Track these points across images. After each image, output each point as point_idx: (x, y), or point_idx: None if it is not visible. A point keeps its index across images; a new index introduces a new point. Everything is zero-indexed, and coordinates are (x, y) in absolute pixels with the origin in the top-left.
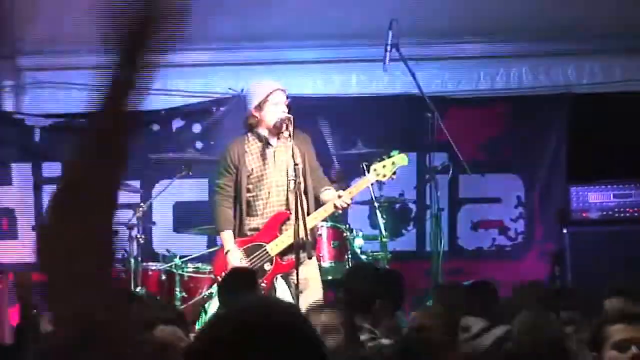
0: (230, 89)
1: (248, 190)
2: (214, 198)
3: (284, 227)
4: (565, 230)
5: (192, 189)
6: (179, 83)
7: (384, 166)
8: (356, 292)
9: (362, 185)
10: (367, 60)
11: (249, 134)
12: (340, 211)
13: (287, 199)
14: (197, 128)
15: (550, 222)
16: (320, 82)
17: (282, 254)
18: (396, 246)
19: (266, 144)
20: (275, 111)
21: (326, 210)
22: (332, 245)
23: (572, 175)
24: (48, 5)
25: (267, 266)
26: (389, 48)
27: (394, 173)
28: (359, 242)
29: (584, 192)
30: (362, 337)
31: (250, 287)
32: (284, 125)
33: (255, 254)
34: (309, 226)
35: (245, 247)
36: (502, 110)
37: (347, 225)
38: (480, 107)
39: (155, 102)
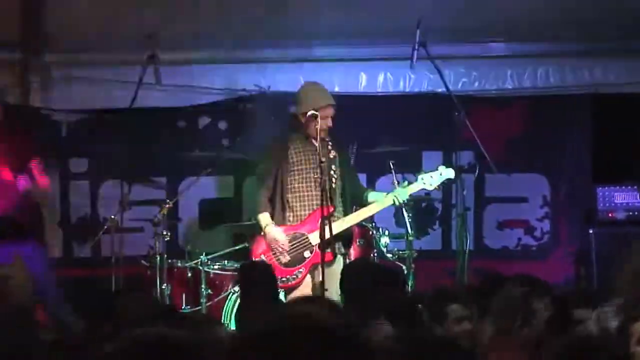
0: (256, 85)
1: (289, 186)
2: (254, 183)
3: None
4: (591, 231)
5: (218, 186)
6: (206, 80)
7: (431, 177)
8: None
9: (413, 189)
10: (395, 59)
11: (293, 132)
12: (398, 204)
13: (329, 195)
14: (223, 125)
15: (576, 222)
16: (347, 80)
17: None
18: (422, 245)
19: (310, 144)
20: (322, 125)
21: (380, 205)
22: (357, 243)
23: (598, 176)
24: (77, 2)
25: (307, 254)
26: (416, 47)
27: (440, 185)
28: (384, 241)
29: (610, 193)
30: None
31: (269, 279)
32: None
33: (296, 241)
34: (357, 220)
35: (287, 233)
36: (529, 110)
37: (374, 224)
38: (507, 106)
39: (182, 99)
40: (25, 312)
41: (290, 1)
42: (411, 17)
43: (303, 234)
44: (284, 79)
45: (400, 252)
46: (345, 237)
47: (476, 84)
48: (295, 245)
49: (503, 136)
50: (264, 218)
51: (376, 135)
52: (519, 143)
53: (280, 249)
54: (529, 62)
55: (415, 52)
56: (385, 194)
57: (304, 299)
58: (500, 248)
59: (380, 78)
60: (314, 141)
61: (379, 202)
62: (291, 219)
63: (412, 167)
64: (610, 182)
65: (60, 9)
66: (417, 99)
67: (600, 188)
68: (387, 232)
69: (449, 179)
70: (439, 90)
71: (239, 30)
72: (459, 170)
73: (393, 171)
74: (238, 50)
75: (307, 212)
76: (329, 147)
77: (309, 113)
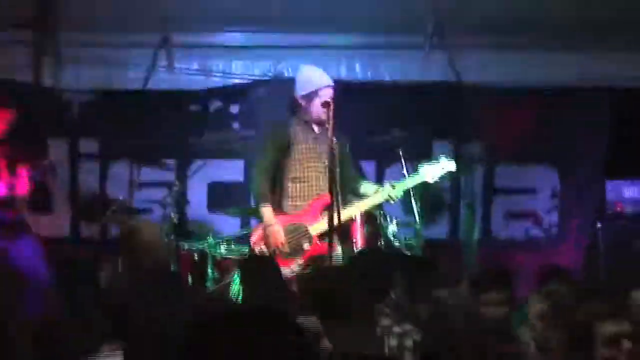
0: (270, 70)
1: (290, 172)
2: (254, 175)
3: (325, 212)
4: (599, 224)
5: (227, 170)
6: (218, 64)
7: (432, 169)
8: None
9: (411, 183)
10: (407, 47)
11: (294, 118)
12: (392, 202)
13: (330, 184)
14: (235, 109)
15: (585, 214)
16: (360, 68)
17: (321, 236)
18: (429, 234)
19: (309, 129)
20: (322, 107)
21: (376, 199)
22: (365, 231)
23: (608, 169)
24: None
25: (306, 245)
26: (430, 36)
27: (440, 177)
28: (392, 228)
29: (619, 187)
30: (385, 323)
31: (271, 272)
32: (327, 119)
33: (295, 232)
34: (356, 213)
35: (287, 224)
36: (542, 102)
37: (382, 212)
38: (520, 98)
39: (194, 82)
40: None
41: None
42: (426, 5)
43: (302, 225)
44: (297, 65)
45: (408, 241)
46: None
47: (489, 75)
48: (294, 237)
49: (514, 128)
50: (266, 212)
51: (386, 124)
52: (529, 135)
53: (278, 246)
54: (543, 55)
55: (429, 41)
56: (379, 187)
57: None
58: (507, 238)
59: (392, 67)
60: (314, 126)
61: (376, 195)
62: (290, 207)
63: (422, 157)
64: (620, 176)
65: None
66: (429, 88)
67: (609, 182)
68: (395, 220)
69: (449, 172)
70: (451, 80)
71: (252, 15)
72: (469, 161)
73: (403, 160)
74: (251, 35)
75: (306, 201)
76: (329, 134)
77: (309, 92)
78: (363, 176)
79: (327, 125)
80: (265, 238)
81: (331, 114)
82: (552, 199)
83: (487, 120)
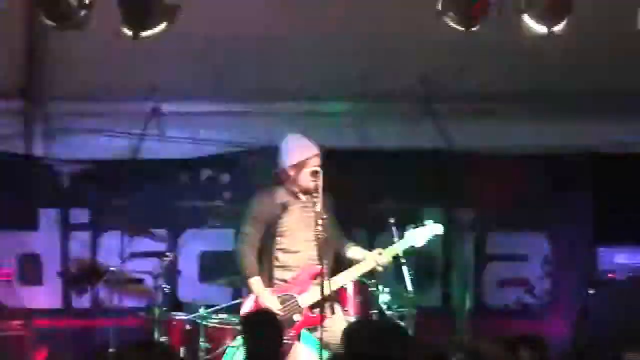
0: (258, 139)
1: (277, 243)
2: (240, 246)
3: (315, 281)
4: (591, 291)
5: (218, 239)
6: (209, 132)
7: (418, 233)
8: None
9: (398, 249)
10: (398, 114)
11: (279, 188)
12: (380, 269)
13: (318, 253)
14: (225, 178)
15: (576, 281)
16: (349, 135)
17: (312, 307)
18: (421, 302)
19: (296, 199)
20: (311, 176)
21: (365, 266)
22: (357, 300)
23: (599, 236)
24: (80, 53)
25: (297, 317)
26: (419, 103)
27: (427, 241)
28: (384, 298)
29: (610, 253)
30: None
31: (275, 327)
32: (315, 188)
33: (285, 304)
34: (346, 282)
35: (275, 296)
36: (530, 168)
37: (373, 281)
38: (509, 164)
39: (185, 150)
40: None
41: (293, 55)
42: (415, 73)
43: (292, 296)
44: (287, 132)
45: (400, 310)
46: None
47: (479, 141)
48: (284, 308)
49: (504, 194)
50: (256, 283)
51: (377, 191)
52: (520, 201)
53: None
54: (531, 121)
55: (419, 108)
56: (366, 253)
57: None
58: (499, 306)
59: (383, 133)
60: (301, 196)
61: (364, 263)
62: (279, 278)
63: (412, 224)
64: (611, 243)
65: (63, 59)
66: (420, 155)
67: (600, 248)
68: (386, 289)
69: (437, 235)
70: (441, 146)
71: (241, 84)
72: (459, 227)
73: (394, 227)
74: (241, 103)
75: (295, 271)
76: (315, 199)
77: (296, 163)
78: (349, 239)
79: (315, 194)
80: (257, 306)
81: (320, 182)
82: (544, 265)
83: (477, 186)
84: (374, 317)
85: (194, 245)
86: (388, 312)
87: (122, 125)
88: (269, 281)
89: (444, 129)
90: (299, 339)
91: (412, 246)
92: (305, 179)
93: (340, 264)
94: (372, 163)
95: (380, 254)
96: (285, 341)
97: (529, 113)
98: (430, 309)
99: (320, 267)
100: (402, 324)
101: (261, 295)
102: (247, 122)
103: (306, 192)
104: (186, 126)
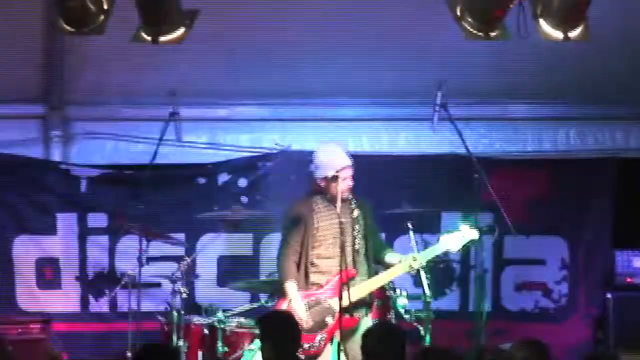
0: (276, 144)
1: (313, 248)
2: (281, 251)
3: (348, 285)
4: (609, 295)
5: (236, 244)
6: (226, 137)
7: (454, 238)
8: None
9: (433, 252)
10: (416, 119)
11: (316, 195)
12: (413, 272)
13: (353, 258)
14: (243, 182)
15: (594, 285)
16: (367, 140)
17: (345, 310)
18: (439, 305)
19: (332, 206)
20: (343, 186)
21: (400, 269)
22: (375, 304)
23: (617, 240)
24: (97, 58)
25: (329, 320)
26: (437, 108)
27: (464, 246)
28: (402, 302)
29: (629, 257)
30: None
31: (291, 328)
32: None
33: (317, 307)
34: (379, 285)
35: (308, 299)
36: (549, 172)
37: (391, 284)
38: (527, 169)
39: (202, 155)
40: None
41: (311, 60)
42: (432, 78)
43: (325, 300)
44: (305, 137)
45: (418, 313)
46: (369, 300)
47: (497, 145)
48: (317, 311)
49: (523, 198)
50: (291, 288)
51: (395, 196)
52: (539, 205)
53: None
54: (550, 125)
55: (436, 113)
56: (402, 257)
57: None
58: (517, 310)
59: (401, 138)
60: (335, 203)
61: (398, 266)
62: (315, 282)
63: (431, 229)
64: (630, 247)
65: (82, 64)
66: (438, 160)
67: (619, 252)
68: (405, 293)
69: (472, 241)
70: (460, 151)
71: (260, 89)
72: (478, 232)
73: (411, 233)
74: (259, 108)
75: (331, 276)
76: (352, 206)
77: (330, 175)
78: (388, 245)
79: (348, 201)
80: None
81: (340, 186)
82: (562, 269)
83: (496, 191)
84: (392, 321)
85: (212, 249)
86: (406, 316)
87: (140, 130)
88: (305, 285)
89: (461, 133)
90: (331, 342)
91: (448, 251)
92: (339, 188)
93: (378, 268)
94: (389, 168)
95: (414, 259)
96: (316, 344)
97: (549, 117)
98: (448, 312)
99: (354, 271)
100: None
101: (293, 299)
102: (264, 126)
103: (341, 199)
104: (204, 131)
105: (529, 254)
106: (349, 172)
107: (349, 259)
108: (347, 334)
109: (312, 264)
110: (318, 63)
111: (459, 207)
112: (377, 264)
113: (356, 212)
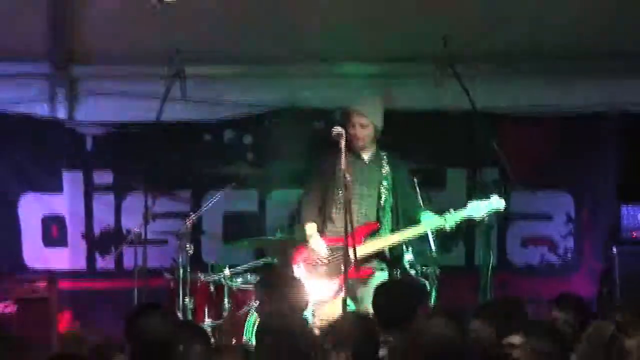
0: (282, 100)
1: (334, 198)
2: (302, 198)
3: (368, 238)
4: (614, 249)
5: (242, 200)
6: (231, 94)
7: (480, 206)
8: (382, 308)
9: (460, 215)
10: (420, 76)
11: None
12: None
13: (377, 212)
14: (248, 139)
15: (600, 240)
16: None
17: (360, 261)
18: (445, 261)
19: (358, 158)
20: (352, 133)
21: (417, 230)
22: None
23: (623, 194)
24: (103, 16)
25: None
26: (442, 64)
27: (487, 215)
28: (408, 257)
29: (634, 211)
30: (382, 353)
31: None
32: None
33: (335, 254)
34: (397, 242)
35: (329, 244)
36: (555, 127)
37: None
38: (532, 124)
39: (207, 113)
40: None
41: (315, 17)
42: (438, 33)
43: (343, 248)
44: (308, 94)
45: (424, 269)
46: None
47: (502, 101)
48: (333, 257)
49: (529, 154)
50: (311, 227)
51: (400, 152)
52: (544, 161)
53: (320, 261)
54: (556, 81)
55: (442, 70)
56: (437, 217)
57: None
58: (523, 265)
59: (406, 95)
60: (362, 154)
61: (416, 227)
62: (334, 230)
63: (436, 185)
64: (636, 201)
65: (86, 22)
66: (443, 116)
67: (624, 206)
68: (410, 249)
69: (497, 210)
70: (465, 107)
71: (264, 45)
72: (483, 187)
73: (417, 188)
74: (264, 65)
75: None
76: (383, 162)
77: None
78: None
79: (382, 154)
80: (308, 252)
81: (343, 143)
82: (567, 224)
83: (501, 146)
84: (398, 276)
85: (218, 206)
86: (412, 271)
87: (146, 88)
88: (323, 232)
89: (467, 89)
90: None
91: (471, 216)
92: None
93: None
94: (394, 124)
95: (445, 220)
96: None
97: (554, 72)
98: (454, 268)
99: (376, 225)
100: (426, 282)
101: (313, 238)
102: (269, 84)
103: (362, 148)
104: (208, 88)
105: (535, 209)
106: (356, 120)
107: (369, 210)
108: (360, 284)
109: (333, 212)
110: (322, 21)
111: (464, 163)
112: (411, 222)
113: (386, 169)
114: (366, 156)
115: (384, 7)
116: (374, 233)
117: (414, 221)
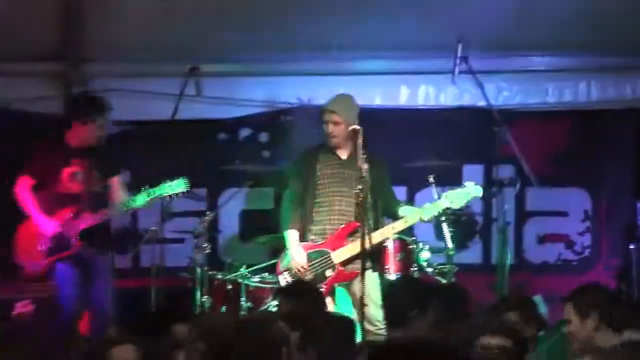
0: (297, 98)
1: (315, 197)
2: (283, 203)
3: (351, 238)
4: (631, 246)
5: (258, 198)
6: (247, 92)
7: (457, 195)
8: (393, 306)
9: (436, 208)
10: (436, 73)
11: (320, 146)
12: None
13: (356, 210)
14: (264, 137)
15: (617, 236)
16: (387, 94)
17: (345, 263)
18: (462, 259)
19: (337, 156)
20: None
21: (400, 225)
22: (397, 258)
23: (639, 191)
24: (118, 14)
25: (329, 272)
26: (457, 61)
27: (467, 203)
28: (425, 255)
29: None
30: None
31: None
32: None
33: (318, 259)
34: (381, 239)
35: (309, 251)
36: (570, 124)
37: (414, 238)
38: (548, 121)
39: (223, 111)
40: None
41: (331, 14)
42: (453, 30)
43: (325, 252)
44: (324, 91)
45: (440, 266)
46: (375, 253)
47: (518, 97)
48: (317, 264)
49: (545, 150)
50: (291, 236)
51: (416, 149)
52: (560, 157)
53: (300, 270)
54: (570, 76)
55: (457, 66)
56: (411, 213)
57: None
58: (540, 262)
59: (421, 92)
60: (339, 152)
61: (398, 223)
62: (315, 233)
63: (452, 182)
64: None
65: (101, 20)
66: (458, 113)
67: None
68: (427, 247)
69: (475, 197)
70: (481, 104)
71: (280, 43)
72: (499, 184)
73: (433, 186)
74: (279, 63)
75: (332, 228)
76: (360, 160)
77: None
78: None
79: (356, 152)
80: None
81: (360, 140)
82: (584, 221)
83: (517, 142)
84: (415, 275)
85: (234, 204)
86: (428, 269)
87: (161, 86)
88: (305, 234)
89: (482, 85)
90: (331, 295)
91: (448, 208)
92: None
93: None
94: (411, 121)
95: (421, 217)
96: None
97: (570, 68)
98: (471, 265)
99: (357, 224)
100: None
101: (292, 248)
102: (285, 81)
103: (339, 148)
104: (224, 86)
105: (551, 206)
106: (325, 117)
107: (349, 208)
108: (346, 285)
109: (313, 212)
110: (337, 16)
111: (480, 160)
112: (391, 218)
113: (364, 167)
114: (343, 155)
115: (399, 3)
116: (355, 232)
117: (392, 215)
